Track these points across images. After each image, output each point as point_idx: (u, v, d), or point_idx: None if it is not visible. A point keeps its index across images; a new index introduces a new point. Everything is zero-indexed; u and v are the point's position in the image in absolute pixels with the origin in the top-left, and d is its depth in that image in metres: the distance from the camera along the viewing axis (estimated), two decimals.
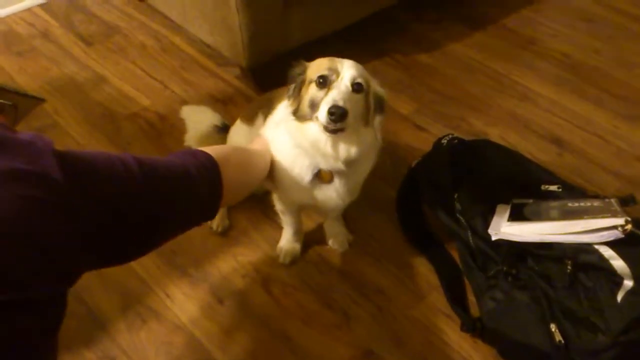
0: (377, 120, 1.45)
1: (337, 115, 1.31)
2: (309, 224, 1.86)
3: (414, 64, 2.50)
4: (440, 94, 2.35)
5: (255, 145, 1.54)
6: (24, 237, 0.81)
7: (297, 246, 1.78)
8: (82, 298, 1.65)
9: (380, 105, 1.44)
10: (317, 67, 1.41)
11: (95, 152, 1.01)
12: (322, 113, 1.33)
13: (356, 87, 1.37)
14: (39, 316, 0.85)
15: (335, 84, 1.36)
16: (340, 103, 1.31)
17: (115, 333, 1.59)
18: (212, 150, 1.25)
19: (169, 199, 1.10)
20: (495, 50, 2.56)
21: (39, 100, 1.30)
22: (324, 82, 1.37)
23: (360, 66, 1.42)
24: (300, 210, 1.73)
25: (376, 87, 1.44)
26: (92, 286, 1.68)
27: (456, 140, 1.77)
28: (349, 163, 1.42)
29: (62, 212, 0.86)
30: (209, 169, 1.20)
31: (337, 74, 1.37)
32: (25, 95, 1.23)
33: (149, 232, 1.08)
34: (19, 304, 0.81)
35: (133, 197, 1.00)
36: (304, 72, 1.44)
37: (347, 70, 1.37)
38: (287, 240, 1.78)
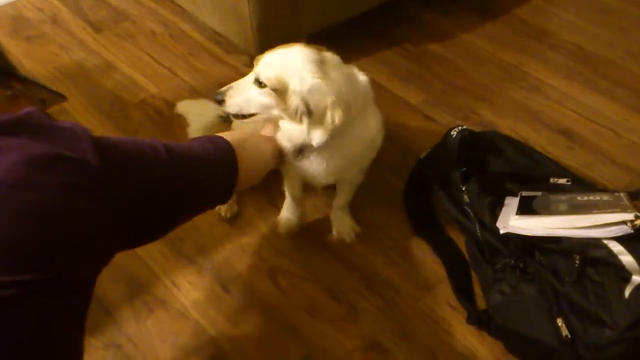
0: (305, 121, 1.38)
1: (216, 98, 1.47)
2: (316, 215, 1.86)
3: (425, 53, 2.48)
4: (450, 84, 2.34)
5: (266, 131, 1.56)
6: (62, 220, 0.85)
7: (293, 219, 1.79)
8: None
9: (307, 109, 1.37)
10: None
11: (125, 138, 1.07)
12: None
13: (259, 80, 1.41)
14: (72, 299, 0.91)
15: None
16: (223, 90, 1.46)
17: (122, 321, 1.60)
18: (228, 135, 1.30)
19: (194, 182, 1.15)
20: (507, 40, 2.54)
21: (62, 98, 1.34)
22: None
23: (278, 61, 1.40)
24: (299, 182, 1.73)
25: (301, 88, 1.36)
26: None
27: (466, 132, 1.76)
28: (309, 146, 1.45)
29: (97, 196, 0.90)
30: (227, 153, 1.25)
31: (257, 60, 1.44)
32: (51, 92, 1.25)
33: (174, 214, 1.13)
34: (54, 285, 0.85)
35: (162, 182, 1.06)
36: None
37: (260, 62, 1.42)
38: (285, 210, 1.81)
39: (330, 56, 1.44)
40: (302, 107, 1.36)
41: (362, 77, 1.50)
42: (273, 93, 1.39)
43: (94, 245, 0.91)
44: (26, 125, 0.88)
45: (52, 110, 2.15)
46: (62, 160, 0.86)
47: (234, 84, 1.47)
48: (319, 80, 1.35)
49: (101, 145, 0.92)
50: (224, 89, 1.46)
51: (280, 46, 1.44)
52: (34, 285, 0.81)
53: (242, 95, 1.45)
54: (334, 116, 1.36)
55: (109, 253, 0.99)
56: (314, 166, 1.53)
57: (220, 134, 1.31)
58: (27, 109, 0.91)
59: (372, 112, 1.56)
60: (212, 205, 1.31)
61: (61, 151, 0.86)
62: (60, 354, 0.90)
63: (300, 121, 1.39)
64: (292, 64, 1.37)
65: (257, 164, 1.43)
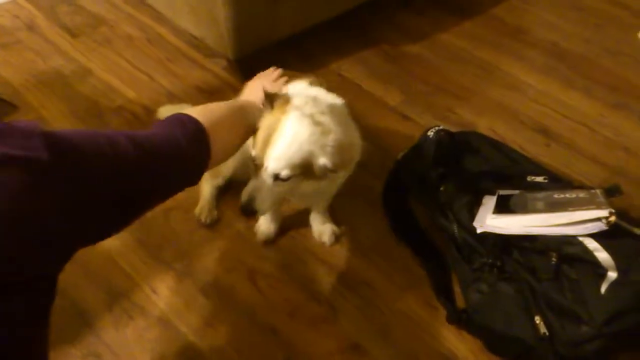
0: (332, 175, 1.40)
1: (246, 212, 1.38)
2: (296, 217, 1.86)
3: (402, 54, 2.49)
4: (428, 84, 2.35)
5: (251, 97, 1.52)
6: (14, 219, 0.82)
7: (271, 226, 1.79)
8: (67, 294, 1.64)
9: (324, 173, 1.37)
10: (261, 131, 1.37)
11: (80, 131, 1.01)
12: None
13: (280, 178, 1.34)
14: (30, 298, 0.88)
15: (261, 171, 1.35)
16: (246, 201, 1.36)
17: (101, 329, 1.59)
18: (201, 115, 1.23)
19: (160, 172, 1.10)
20: (484, 39, 2.55)
21: (13, 107, 1.30)
22: (254, 160, 1.38)
23: (292, 150, 1.32)
24: None
25: (321, 160, 1.34)
26: (77, 282, 1.67)
27: (443, 133, 1.77)
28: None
29: (50, 191, 0.86)
30: (198, 138, 1.19)
31: (262, 160, 1.34)
32: (1, 100, 1.22)
33: (138, 204, 1.08)
34: (10, 286, 0.83)
35: (121, 173, 1.00)
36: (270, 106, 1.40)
37: (270, 162, 1.33)
38: (263, 217, 1.79)
39: (315, 95, 1.43)
40: (330, 169, 1.36)
41: (339, 103, 1.50)
42: (298, 176, 1.37)
43: (51, 241, 0.89)
44: None
45: (28, 116, 2.15)
46: (8, 160, 0.82)
47: (253, 189, 1.37)
48: (333, 142, 1.34)
49: (52, 140, 0.88)
50: (246, 199, 1.36)
51: (270, 113, 1.37)
52: None
53: (272, 195, 1.38)
54: (352, 156, 1.44)
55: (70, 248, 0.95)
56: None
57: (194, 112, 1.23)
58: None
59: (353, 129, 1.56)
60: (179, 190, 1.21)
61: (8, 150, 0.82)
62: (21, 350, 0.89)
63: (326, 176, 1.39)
64: (301, 144, 1.32)
65: (230, 142, 1.35)
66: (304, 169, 1.35)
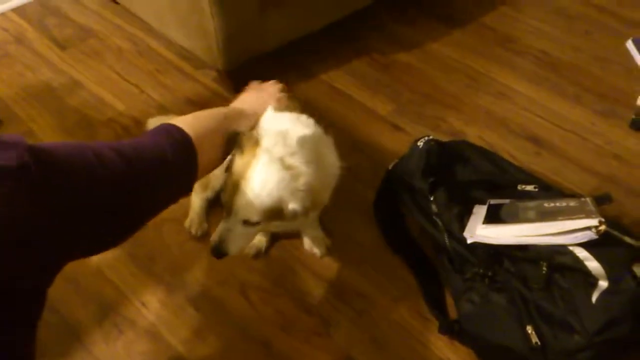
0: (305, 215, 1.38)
1: (218, 254, 1.37)
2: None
3: (392, 63, 2.49)
4: (418, 93, 2.35)
5: (245, 105, 1.51)
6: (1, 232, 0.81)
7: (263, 239, 1.78)
8: (56, 308, 1.63)
9: (294, 216, 1.35)
10: (230, 175, 1.35)
11: (67, 142, 1.01)
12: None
13: (249, 223, 1.34)
14: (17, 310, 0.88)
15: (230, 214, 1.34)
16: (220, 243, 1.35)
17: (92, 344, 1.58)
18: (188, 125, 1.21)
19: (146, 183, 1.09)
20: (474, 48, 2.56)
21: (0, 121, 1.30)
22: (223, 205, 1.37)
23: (261, 198, 1.30)
24: None
25: (291, 205, 1.32)
26: (67, 296, 1.66)
27: (433, 142, 1.77)
28: None
29: (36, 203, 0.86)
30: (185, 149, 1.17)
31: (231, 206, 1.33)
32: None
33: (125, 216, 1.07)
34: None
35: (107, 185, 1.00)
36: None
37: (239, 209, 1.32)
38: None
39: (286, 130, 1.39)
40: (301, 213, 1.34)
41: (309, 133, 1.44)
42: (269, 219, 1.36)
43: (36, 254, 0.88)
44: None
45: (17, 130, 2.14)
46: None
47: (223, 231, 1.35)
48: (303, 186, 1.32)
49: (38, 152, 0.88)
50: (215, 242, 1.36)
51: (240, 156, 1.34)
52: None
53: (241, 238, 1.39)
54: (324, 197, 1.49)
55: (57, 262, 0.95)
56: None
57: (182, 122, 1.21)
58: None
59: (330, 150, 1.56)
60: (171, 201, 1.20)
61: None
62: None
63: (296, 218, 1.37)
64: (270, 191, 1.30)
65: (219, 153, 1.33)
66: (274, 214, 1.33)
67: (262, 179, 1.30)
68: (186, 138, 1.18)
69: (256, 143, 1.34)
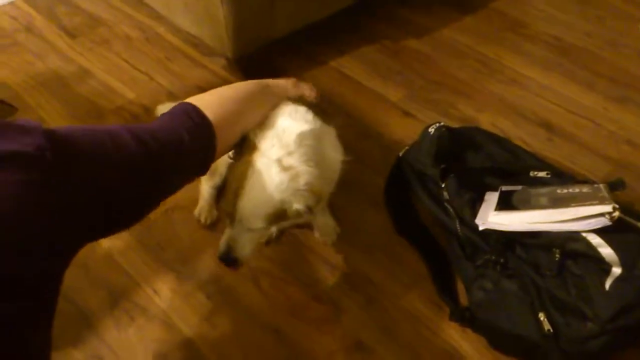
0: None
1: (227, 262, 1.36)
2: None
3: (403, 49, 2.47)
4: (429, 79, 2.33)
5: (275, 89, 1.49)
6: (17, 217, 0.82)
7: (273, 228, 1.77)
8: (69, 296, 1.64)
9: (299, 215, 1.34)
10: (230, 182, 1.34)
11: (82, 127, 1.01)
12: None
13: (254, 228, 1.33)
14: (35, 298, 0.88)
15: (234, 222, 1.33)
16: (228, 251, 1.34)
17: (104, 331, 1.58)
18: (212, 109, 1.20)
19: (161, 168, 1.09)
20: (485, 34, 2.53)
21: (13, 109, 1.31)
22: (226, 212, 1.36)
23: (263, 204, 1.29)
24: None
25: (294, 205, 1.31)
26: (79, 284, 1.66)
27: (444, 128, 1.75)
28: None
29: (52, 188, 0.86)
30: (204, 134, 1.17)
31: (233, 213, 1.31)
32: (1, 102, 1.23)
33: (140, 202, 1.08)
34: (15, 285, 0.82)
35: (123, 170, 1.00)
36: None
37: (242, 217, 1.31)
38: None
39: (284, 128, 1.37)
40: (305, 212, 1.33)
41: (307, 128, 1.41)
42: (274, 223, 1.35)
43: (55, 237, 0.88)
44: None
45: (27, 118, 2.14)
46: (11, 157, 0.82)
47: (229, 238, 1.35)
48: (304, 185, 1.30)
49: (54, 137, 0.88)
50: (223, 251, 1.35)
51: (238, 162, 1.34)
52: None
53: (249, 243, 1.36)
54: (326, 192, 1.46)
55: (76, 244, 0.96)
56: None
57: (204, 105, 1.20)
58: None
59: (332, 144, 1.54)
60: (183, 183, 1.20)
61: (11, 147, 0.83)
62: (24, 352, 0.88)
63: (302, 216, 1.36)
64: (271, 195, 1.29)
65: (238, 132, 1.32)
66: (278, 216, 1.32)
67: (262, 184, 1.28)
68: (206, 122, 1.18)
69: (253, 147, 1.33)
